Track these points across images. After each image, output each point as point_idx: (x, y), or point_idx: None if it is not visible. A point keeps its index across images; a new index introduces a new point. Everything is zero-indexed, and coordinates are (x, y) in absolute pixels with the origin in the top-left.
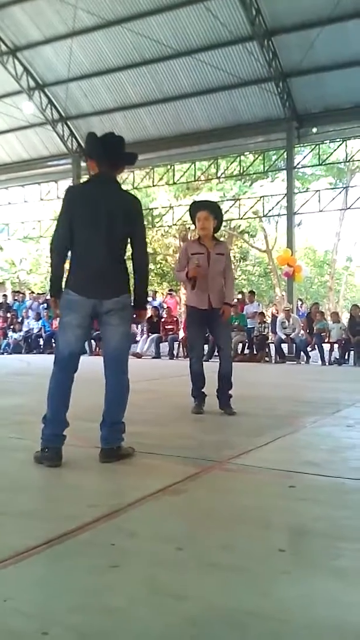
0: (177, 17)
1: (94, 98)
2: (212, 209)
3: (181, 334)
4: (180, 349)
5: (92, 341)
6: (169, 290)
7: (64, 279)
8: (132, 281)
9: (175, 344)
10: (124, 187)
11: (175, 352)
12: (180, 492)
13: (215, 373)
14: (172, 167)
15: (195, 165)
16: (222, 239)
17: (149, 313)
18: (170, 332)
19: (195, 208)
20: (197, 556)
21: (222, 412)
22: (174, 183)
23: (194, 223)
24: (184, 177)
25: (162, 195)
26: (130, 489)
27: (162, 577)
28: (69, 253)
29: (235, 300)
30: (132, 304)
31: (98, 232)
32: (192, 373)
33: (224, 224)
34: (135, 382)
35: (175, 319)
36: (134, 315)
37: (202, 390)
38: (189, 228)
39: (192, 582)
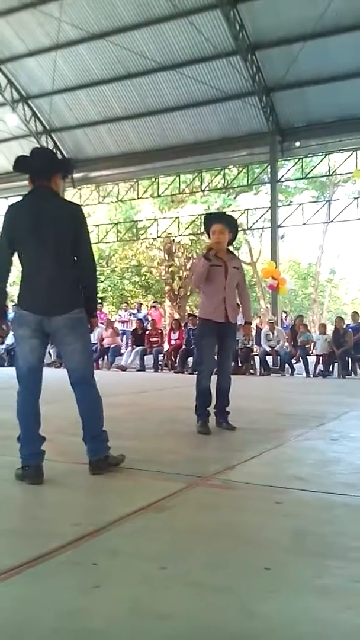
0: (161, 31)
1: (78, 111)
2: (228, 222)
3: (166, 346)
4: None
5: None
6: (154, 302)
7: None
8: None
9: (160, 357)
10: (108, 199)
11: (160, 365)
12: (164, 509)
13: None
14: (157, 180)
15: (179, 178)
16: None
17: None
18: (155, 345)
19: (210, 220)
20: (181, 575)
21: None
22: (159, 196)
23: (208, 235)
24: (168, 190)
25: (146, 207)
26: (113, 506)
27: (145, 596)
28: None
29: None
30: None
31: (45, 247)
32: (200, 388)
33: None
34: (119, 396)
35: (159, 331)
36: None
37: (208, 408)
38: (174, 240)
39: (176, 601)
